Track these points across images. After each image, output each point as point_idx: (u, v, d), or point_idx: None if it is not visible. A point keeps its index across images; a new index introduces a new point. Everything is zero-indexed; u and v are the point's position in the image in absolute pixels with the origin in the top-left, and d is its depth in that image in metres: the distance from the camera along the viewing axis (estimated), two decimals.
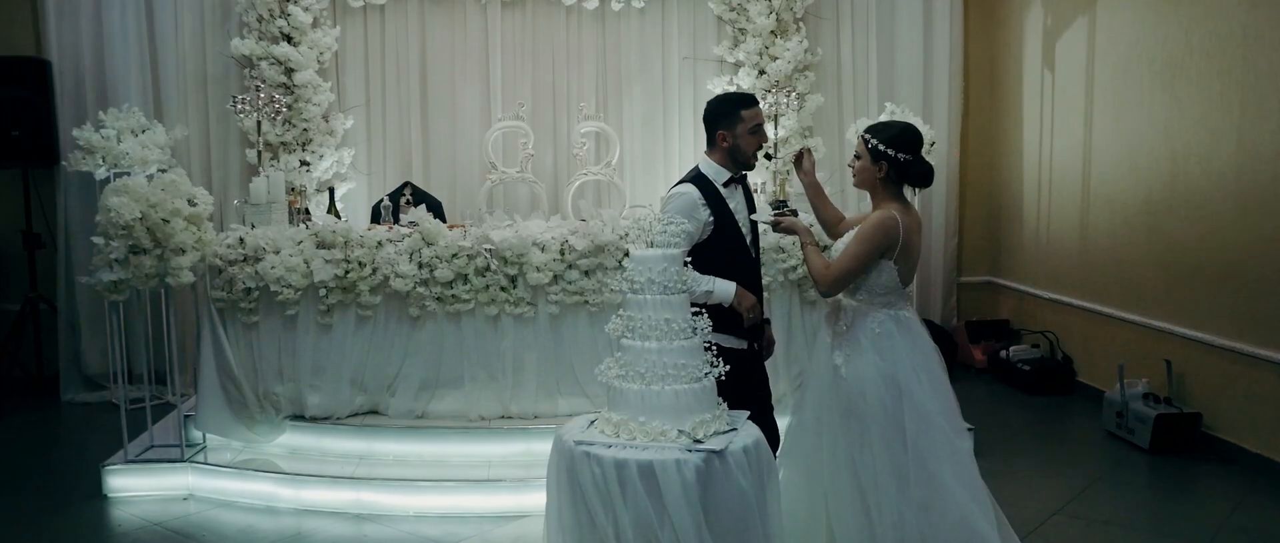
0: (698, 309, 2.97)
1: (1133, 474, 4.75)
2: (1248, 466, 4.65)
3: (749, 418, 3.06)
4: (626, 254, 3.42)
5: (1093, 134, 5.95)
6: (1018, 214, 6.90)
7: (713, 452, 2.79)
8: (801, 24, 6.50)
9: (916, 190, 3.44)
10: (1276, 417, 4.52)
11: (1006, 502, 3.26)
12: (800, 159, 3.47)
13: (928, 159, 3.19)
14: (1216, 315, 4.89)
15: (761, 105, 3.85)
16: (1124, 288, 5.67)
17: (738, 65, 6.52)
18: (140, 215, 4.26)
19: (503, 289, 4.66)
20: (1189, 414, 4.97)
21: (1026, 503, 4.20)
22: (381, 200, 5.46)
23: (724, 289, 3.24)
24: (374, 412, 4.76)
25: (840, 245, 3.20)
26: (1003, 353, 6.57)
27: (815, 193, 3.48)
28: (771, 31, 6.42)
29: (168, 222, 4.32)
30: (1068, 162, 6.23)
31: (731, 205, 3.35)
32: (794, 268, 4.81)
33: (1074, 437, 5.47)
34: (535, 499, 3.69)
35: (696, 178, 3.34)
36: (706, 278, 3.21)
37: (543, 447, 3.11)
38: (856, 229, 3.16)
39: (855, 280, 3.12)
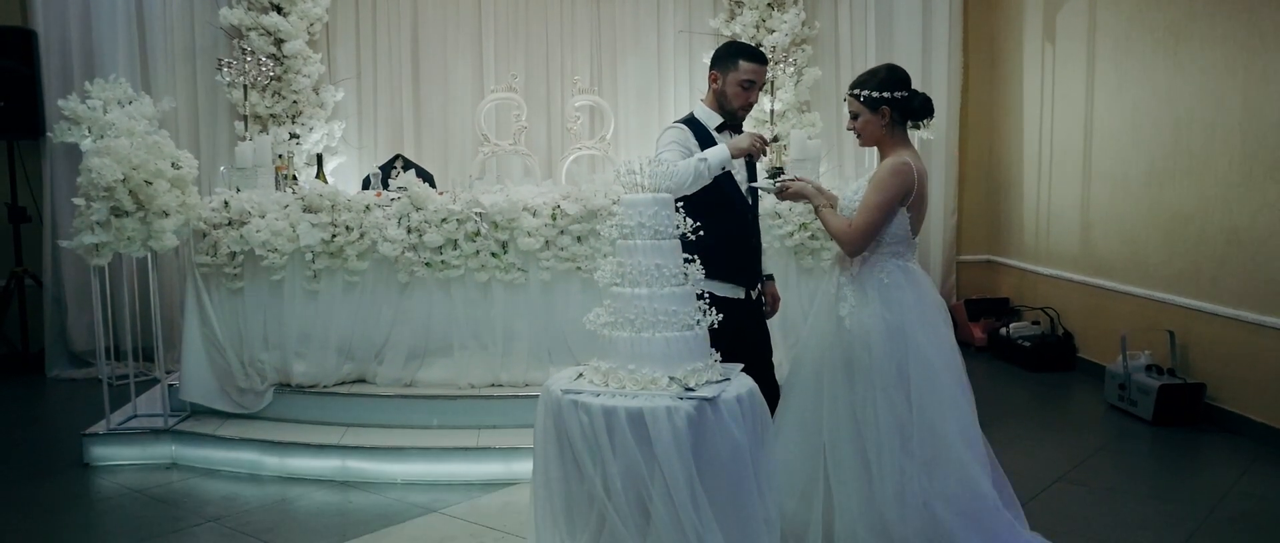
0: (690, 256, 2.87)
1: (1136, 444, 4.66)
2: (1253, 436, 4.56)
3: (743, 371, 2.97)
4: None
5: (1094, 105, 5.86)
6: (1018, 191, 6.80)
7: (705, 400, 2.70)
8: None
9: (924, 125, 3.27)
10: None
11: (1006, 470, 3.16)
12: (778, 175, 3.18)
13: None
14: (1221, 285, 4.80)
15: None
16: (1126, 261, 5.58)
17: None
18: (123, 177, 4.17)
19: (493, 255, 4.55)
20: (1193, 385, 4.88)
21: (1027, 471, 4.10)
22: (372, 172, 5.36)
23: (717, 153, 3.12)
24: (361, 380, 4.66)
25: (847, 205, 3.09)
26: (1002, 330, 6.48)
27: (822, 199, 3.17)
28: (768, 4, 6.33)
29: (150, 183, 4.23)
30: (1068, 135, 6.14)
31: None
32: (790, 234, 4.72)
33: (1075, 410, 5.38)
34: (524, 467, 3.60)
35: (689, 120, 3.28)
36: (693, 157, 3.12)
37: (532, 415, 3.00)
38: (870, 180, 3.05)
39: (880, 232, 3.01)
